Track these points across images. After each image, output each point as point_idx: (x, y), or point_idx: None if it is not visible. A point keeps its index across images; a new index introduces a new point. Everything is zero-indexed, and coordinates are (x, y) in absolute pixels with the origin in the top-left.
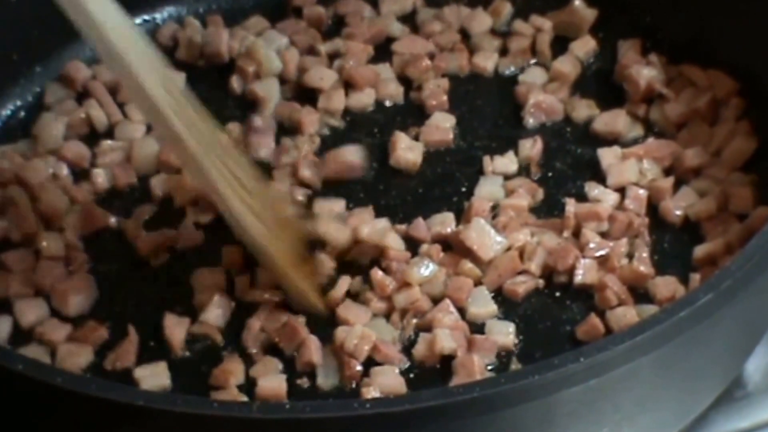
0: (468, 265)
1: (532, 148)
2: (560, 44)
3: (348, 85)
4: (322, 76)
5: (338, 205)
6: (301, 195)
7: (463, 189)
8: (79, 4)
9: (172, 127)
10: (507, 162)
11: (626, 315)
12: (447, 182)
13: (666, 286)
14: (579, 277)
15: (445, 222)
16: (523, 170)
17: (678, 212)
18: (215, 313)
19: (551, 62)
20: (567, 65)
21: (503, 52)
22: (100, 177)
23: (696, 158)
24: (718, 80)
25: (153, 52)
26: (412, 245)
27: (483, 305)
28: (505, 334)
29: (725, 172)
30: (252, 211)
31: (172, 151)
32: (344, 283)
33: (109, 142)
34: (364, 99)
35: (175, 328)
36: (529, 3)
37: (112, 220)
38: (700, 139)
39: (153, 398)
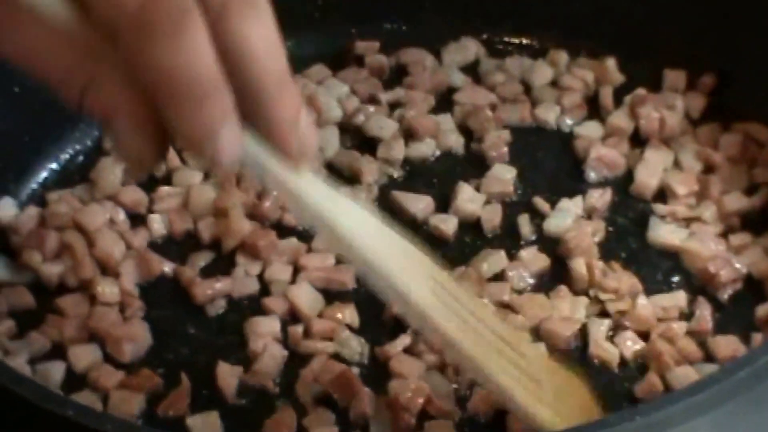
0: (519, 318)
1: (600, 198)
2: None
3: (408, 134)
4: (382, 126)
5: None
6: None
7: (522, 242)
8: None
9: (445, 334)
10: (572, 206)
11: (686, 374)
12: (506, 234)
13: (727, 345)
14: (629, 346)
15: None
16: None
17: (742, 269)
18: (268, 362)
19: (608, 116)
20: (623, 119)
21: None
22: (157, 223)
23: (736, 202)
24: None
25: (410, 247)
26: None
27: None
28: None
29: None
30: (531, 381)
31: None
32: (402, 341)
33: (166, 188)
34: (424, 149)
35: (228, 377)
36: (581, 52)
37: (168, 268)
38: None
39: None
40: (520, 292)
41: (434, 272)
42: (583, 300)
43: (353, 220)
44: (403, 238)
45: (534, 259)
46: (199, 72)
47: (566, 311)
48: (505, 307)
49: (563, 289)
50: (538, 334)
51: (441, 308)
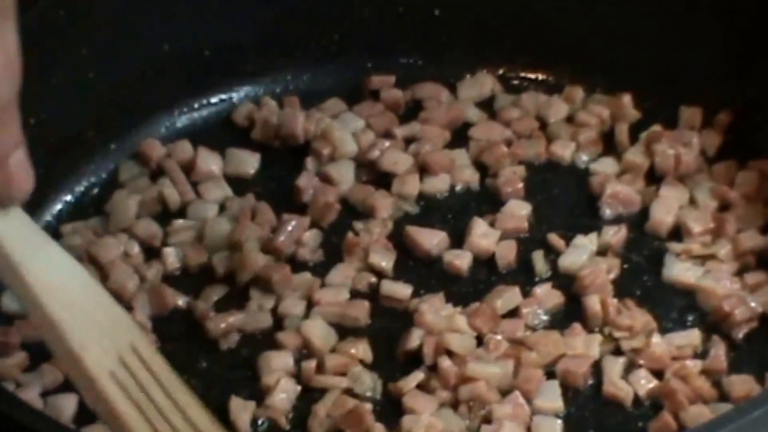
0: (533, 355)
1: (615, 234)
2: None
3: (423, 169)
4: (397, 160)
5: (405, 290)
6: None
7: (537, 279)
8: None
9: (111, 409)
10: (587, 243)
11: (700, 413)
12: (520, 270)
13: (742, 384)
14: (642, 384)
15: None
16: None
17: (757, 308)
18: (281, 397)
19: (623, 153)
20: (639, 156)
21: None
22: (171, 256)
23: (751, 241)
24: None
25: (115, 312)
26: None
27: (550, 399)
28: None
29: None
30: None
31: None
32: (416, 377)
33: (181, 221)
34: (439, 184)
35: (241, 412)
36: (596, 88)
37: (181, 301)
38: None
39: None
40: (533, 329)
41: (129, 345)
42: (597, 337)
43: (48, 268)
44: (112, 301)
45: (548, 296)
46: None
47: (580, 349)
48: (519, 344)
49: (577, 326)
50: (552, 371)
51: (115, 384)
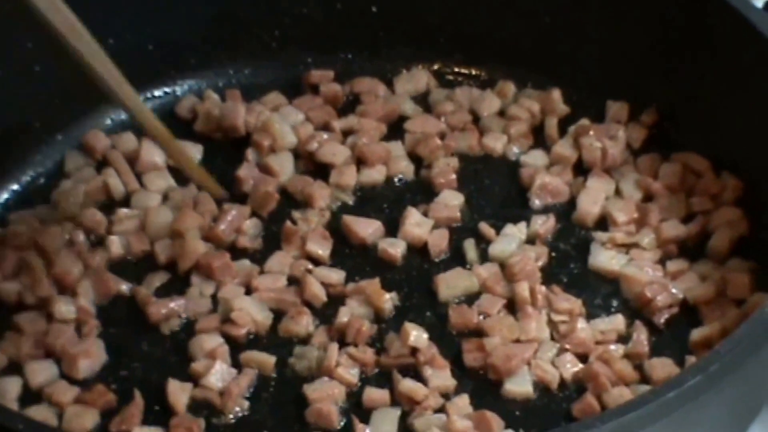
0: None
1: (543, 224)
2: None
3: (360, 161)
4: (335, 152)
5: (338, 275)
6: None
7: (468, 266)
8: None
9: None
10: (516, 232)
11: (622, 395)
12: (452, 258)
13: (662, 367)
14: (568, 368)
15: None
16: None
17: (678, 294)
18: (215, 378)
19: (552, 146)
20: (567, 149)
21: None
22: (115, 244)
23: (673, 230)
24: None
25: None
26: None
27: (520, 384)
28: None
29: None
30: None
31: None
32: (333, 348)
33: (125, 210)
34: (376, 175)
35: (179, 393)
36: (528, 83)
37: (125, 287)
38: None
39: None
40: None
41: None
42: (544, 320)
43: None
44: None
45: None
46: None
47: (534, 332)
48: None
49: (529, 309)
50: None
51: None
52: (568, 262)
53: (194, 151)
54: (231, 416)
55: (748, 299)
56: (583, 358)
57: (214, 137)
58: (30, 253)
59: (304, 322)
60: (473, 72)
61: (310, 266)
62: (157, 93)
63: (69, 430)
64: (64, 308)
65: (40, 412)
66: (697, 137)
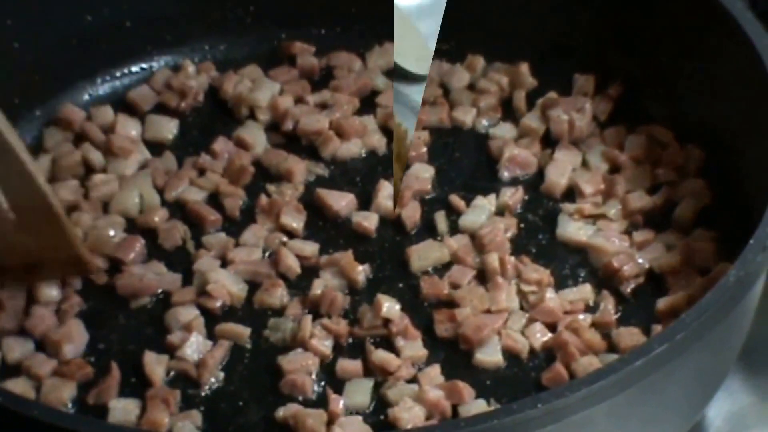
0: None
1: (512, 196)
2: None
3: (337, 134)
4: (317, 123)
5: (312, 248)
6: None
7: (439, 238)
8: None
9: None
10: (486, 203)
11: (591, 363)
12: (424, 229)
13: (629, 336)
14: (537, 338)
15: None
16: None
17: (644, 264)
18: (190, 350)
19: (521, 118)
20: (535, 121)
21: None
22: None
23: (639, 201)
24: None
25: None
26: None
27: (490, 354)
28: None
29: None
30: None
31: None
32: (307, 320)
33: (101, 175)
34: (352, 149)
35: (155, 365)
36: (496, 57)
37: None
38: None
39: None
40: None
41: None
42: (513, 290)
43: None
44: None
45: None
46: None
47: (504, 302)
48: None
49: (499, 279)
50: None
51: None
52: (537, 233)
53: (170, 126)
54: (207, 387)
55: (713, 268)
56: (552, 327)
57: (187, 111)
58: None
59: (279, 294)
60: (443, 47)
61: (285, 239)
62: (134, 69)
63: (47, 402)
64: (47, 291)
65: (18, 385)
66: (662, 109)
